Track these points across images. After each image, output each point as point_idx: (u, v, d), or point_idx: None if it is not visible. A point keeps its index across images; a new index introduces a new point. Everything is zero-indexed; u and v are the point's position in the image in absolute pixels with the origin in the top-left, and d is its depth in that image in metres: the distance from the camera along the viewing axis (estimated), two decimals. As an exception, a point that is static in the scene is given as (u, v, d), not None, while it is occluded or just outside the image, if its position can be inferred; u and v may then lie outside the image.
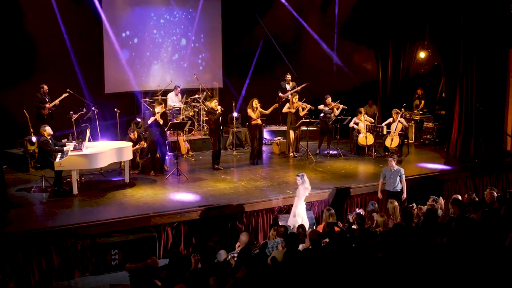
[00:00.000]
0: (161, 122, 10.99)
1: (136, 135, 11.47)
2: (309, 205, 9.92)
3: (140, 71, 14.93)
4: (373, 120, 13.36)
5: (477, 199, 8.73)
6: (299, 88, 13.88)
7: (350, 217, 8.81)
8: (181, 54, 15.52)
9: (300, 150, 13.14)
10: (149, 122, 10.94)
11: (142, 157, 11.50)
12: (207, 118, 12.90)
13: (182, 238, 8.91)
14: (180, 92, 14.18)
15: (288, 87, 14.19)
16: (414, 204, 9.23)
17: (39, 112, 11.88)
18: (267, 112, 12.33)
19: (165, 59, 15.28)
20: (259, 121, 12.12)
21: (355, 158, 12.84)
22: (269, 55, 15.70)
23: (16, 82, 12.25)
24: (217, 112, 11.40)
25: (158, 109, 11.00)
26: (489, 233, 6.15)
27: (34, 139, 11.22)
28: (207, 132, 12.96)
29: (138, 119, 13.61)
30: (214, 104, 11.54)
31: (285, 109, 12.92)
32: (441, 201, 9.03)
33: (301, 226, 8.60)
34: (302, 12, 15.67)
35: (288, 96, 13.63)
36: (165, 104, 13.64)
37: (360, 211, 9.14)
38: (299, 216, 8.92)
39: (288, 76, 14.40)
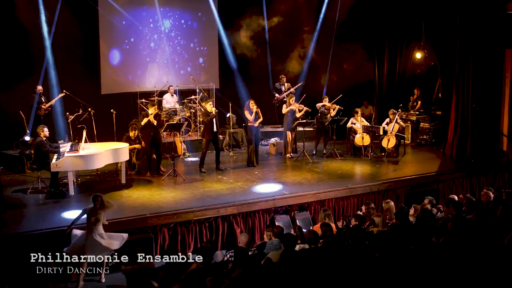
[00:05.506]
0: (155, 123, 10.99)
1: (136, 134, 11.46)
2: (305, 205, 9.94)
3: (137, 72, 14.94)
4: (368, 124, 13.36)
5: (473, 199, 8.74)
6: (293, 89, 13.87)
7: (347, 218, 8.82)
8: (178, 55, 15.50)
9: (297, 150, 13.14)
10: (142, 123, 10.93)
11: (138, 158, 11.49)
12: (202, 119, 12.85)
13: (179, 239, 8.88)
14: (175, 92, 14.18)
15: (283, 88, 14.17)
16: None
17: (35, 113, 11.85)
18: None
19: (162, 61, 15.27)
20: (255, 123, 12.07)
21: (351, 159, 12.84)
22: (265, 56, 15.69)
23: (12, 83, 12.24)
24: (210, 114, 11.39)
25: (151, 110, 11.02)
26: (485, 233, 6.16)
27: (27, 138, 11.21)
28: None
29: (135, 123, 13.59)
30: (209, 106, 11.53)
31: (284, 110, 12.88)
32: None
33: (298, 227, 8.60)
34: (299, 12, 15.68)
35: (284, 97, 13.61)
36: (160, 105, 13.71)
37: (359, 211, 9.14)
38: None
39: (283, 78, 14.37)
